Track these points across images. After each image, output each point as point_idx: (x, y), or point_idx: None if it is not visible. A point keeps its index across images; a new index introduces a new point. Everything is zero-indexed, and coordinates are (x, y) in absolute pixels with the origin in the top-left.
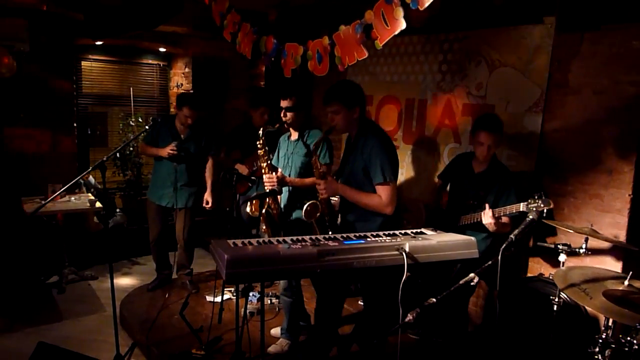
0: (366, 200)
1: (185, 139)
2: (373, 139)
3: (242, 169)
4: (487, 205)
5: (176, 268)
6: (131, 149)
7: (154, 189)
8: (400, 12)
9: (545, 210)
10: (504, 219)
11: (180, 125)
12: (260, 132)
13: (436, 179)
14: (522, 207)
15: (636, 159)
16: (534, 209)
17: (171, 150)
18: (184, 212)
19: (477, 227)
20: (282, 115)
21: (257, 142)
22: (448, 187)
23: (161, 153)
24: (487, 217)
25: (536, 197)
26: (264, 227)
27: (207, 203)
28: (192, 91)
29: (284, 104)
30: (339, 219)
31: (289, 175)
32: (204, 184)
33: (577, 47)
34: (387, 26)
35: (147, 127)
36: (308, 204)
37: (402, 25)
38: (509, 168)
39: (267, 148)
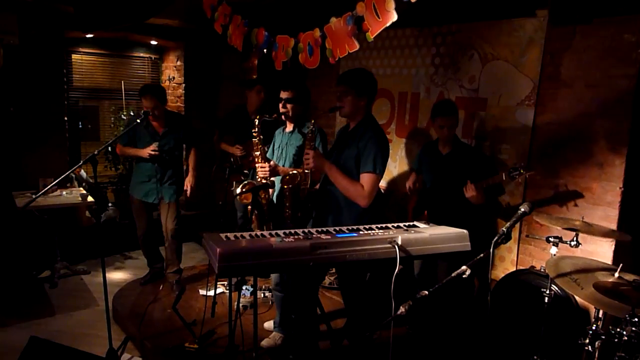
0: (348, 185)
1: (163, 134)
2: (372, 131)
3: (237, 150)
4: (468, 181)
5: (165, 264)
6: None
7: (135, 185)
8: (391, 4)
9: (527, 177)
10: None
11: (156, 122)
12: (257, 120)
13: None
14: (504, 175)
15: (627, 152)
16: (516, 176)
17: (152, 151)
18: (168, 204)
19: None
20: (281, 106)
21: (253, 130)
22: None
23: (142, 154)
24: (470, 191)
25: (517, 167)
26: (253, 217)
27: (186, 189)
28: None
29: (284, 95)
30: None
31: (283, 166)
32: (186, 175)
33: (569, 40)
34: (379, 18)
35: (137, 121)
36: (290, 173)
37: (394, 17)
38: (503, 160)
39: (261, 137)
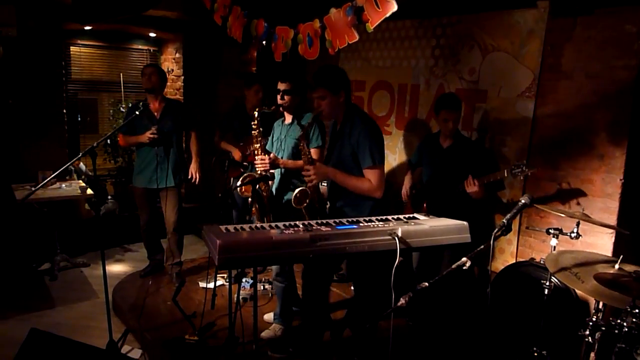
0: (356, 184)
1: (161, 117)
2: (360, 123)
3: (235, 152)
4: (470, 177)
5: (165, 256)
6: None
7: (138, 174)
8: None
9: (529, 174)
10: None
11: (152, 104)
12: (256, 113)
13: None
14: (505, 172)
15: (628, 144)
16: (518, 173)
17: (151, 134)
18: (170, 192)
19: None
20: (279, 98)
21: (252, 123)
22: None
23: (142, 139)
24: (471, 186)
25: (519, 164)
26: (254, 209)
27: (192, 176)
28: None
29: (281, 86)
30: (328, 206)
31: (282, 158)
32: (189, 160)
33: (570, 31)
34: (379, 8)
35: (136, 113)
36: (297, 190)
37: (394, 7)
38: (503, 152)
39: (261, 129)
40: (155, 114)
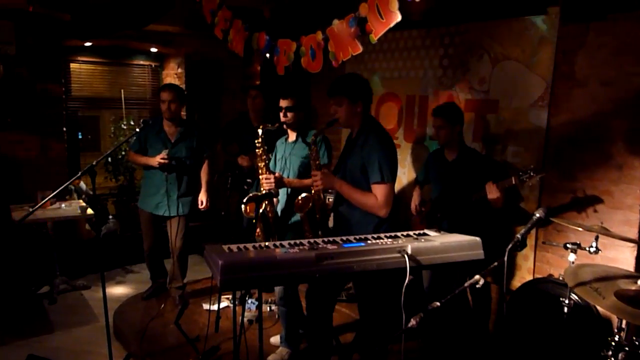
0: (361, 199)
1: (175, 141)
2: (374, 137)
3: (244, 161)
4: (490, 182)
5: (169, 278)
6: (123, 153)
7: (145, 197)
8: (395, 4)
9: (538, 179)
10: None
11: (169, 127)
12: (260, 130)
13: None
14: (514, 179)
15: None
16: (526, 179)
17: (161, 159)
18: (178, 219)
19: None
20: (281, 115)
21: (256, 141)
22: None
23: (151, 162)
24: (493, 192)
25: (527, 169)
26: (258, 230)
27: (202, 203)
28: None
29: (283, 103)
30: (331, 220)
31: (288, 177)
32: (198, 188)
33: (582, 37)
34: (382, 19)
35: (137, 129)
36: (301, 197)
37: (398, 17)
38: (515, 165)
39: (265, 147)
40: (171, 137)
